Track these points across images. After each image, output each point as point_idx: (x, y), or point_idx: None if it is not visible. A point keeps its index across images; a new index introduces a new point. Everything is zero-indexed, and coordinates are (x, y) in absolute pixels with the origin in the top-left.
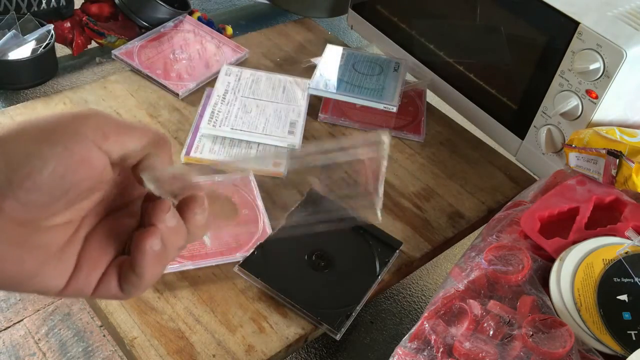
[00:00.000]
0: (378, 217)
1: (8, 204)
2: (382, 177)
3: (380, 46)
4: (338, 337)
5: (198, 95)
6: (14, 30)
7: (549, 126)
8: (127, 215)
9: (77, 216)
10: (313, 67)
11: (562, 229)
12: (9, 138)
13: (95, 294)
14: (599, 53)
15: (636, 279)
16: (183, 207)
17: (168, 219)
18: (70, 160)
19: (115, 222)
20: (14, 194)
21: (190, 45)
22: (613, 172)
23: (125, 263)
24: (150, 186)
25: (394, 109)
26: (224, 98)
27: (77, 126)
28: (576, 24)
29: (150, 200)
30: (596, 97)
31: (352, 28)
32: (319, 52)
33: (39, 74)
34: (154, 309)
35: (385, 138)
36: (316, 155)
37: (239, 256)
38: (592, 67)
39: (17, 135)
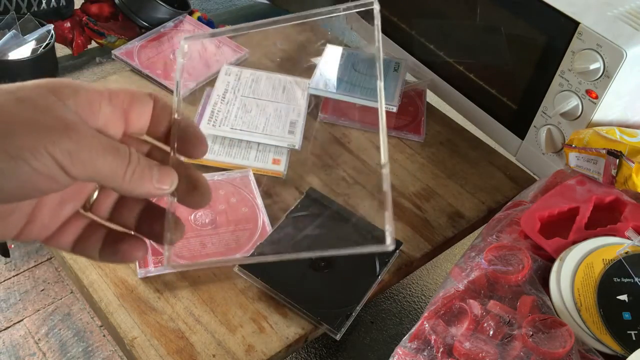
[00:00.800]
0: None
1: None
2: (388, 199)
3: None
4: (338, 337)
5: (198, 95)
6: (14, 30)
7: (549, 126)
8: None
9: None
10: (313, 67)
11: (562, 229)
12: None
13: (47, 242)
14: (599, 53)
15: (636, 279)
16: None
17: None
18: (33, 179)
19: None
20: None
21: (190, 45)
22: (613, 172)
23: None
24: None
25: (394, 109)
26: (224, 98)
27: (44, 141)
28: (576, 24)
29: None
30: (596, 97)
31: (352, 28)
32: (319, 52)
33: (39, 74)
34: (154, 309)
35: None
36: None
37: (239, 256)
38: (592, 67)
39: None
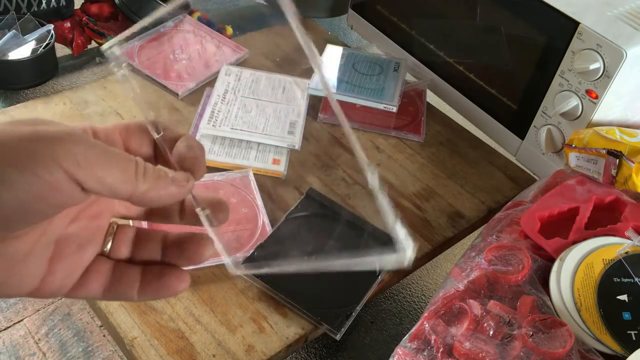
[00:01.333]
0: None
1: None
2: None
3: (380, 46)
4: (338, 337)
5: (198, 95)
6: (14, 30)
7: (549, 126)
8: (103, 212)
9: (44, 222)
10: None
11: (562, 229)
12: None
13: (71, 294)
14: (599, 53)
15: (636, 279)
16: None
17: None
18: (37, 189)
19: (91, 221)
20: None
21: (190, 45)
22: (613, 172)
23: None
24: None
25: (394, 109)
26: (224, 98)
27: (50, 151)
28: (576, 24)
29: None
30: (596, 97)
31: (352, 28)
32: (319, 52)
33: (39, 74)
34: (154, 309)
35: (410, 251)
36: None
37: (239, 256)
38: (592, 67)
39: None
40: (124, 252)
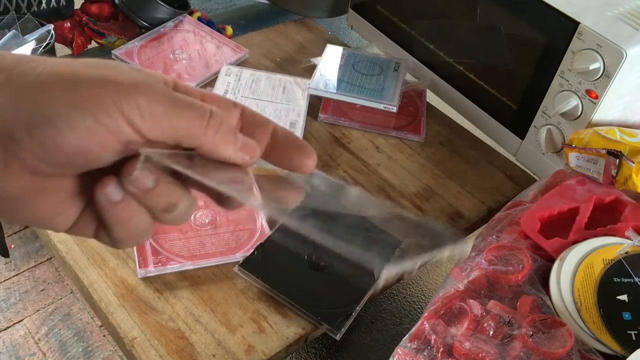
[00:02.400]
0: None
1: (25, 155)
2: None
3: (380, 46)
4: (338, 337)
5: None
6: (14, 30)
7: (549, 126)
8: None
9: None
10: (313, 67)
11: (562, 229)
12: (40, 87)
13: (95, 237)
14: (599, 53)
15: (636, 279)
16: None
17: (135, 180)
18: (98, 136)
19: None
20: (32, 148)
21: (190, 45)
22: (613, 172)
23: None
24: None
25: (394, 109)
26: None
27: (114, 99)
28: (576, 24)
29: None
30: (596, 97)
31: (352, 28)
32: (319, 52)
33: None
34: (154, 309)
35: (467, 247)
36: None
37: (239, 256)
38: (592, 67)
39: (49, 88)
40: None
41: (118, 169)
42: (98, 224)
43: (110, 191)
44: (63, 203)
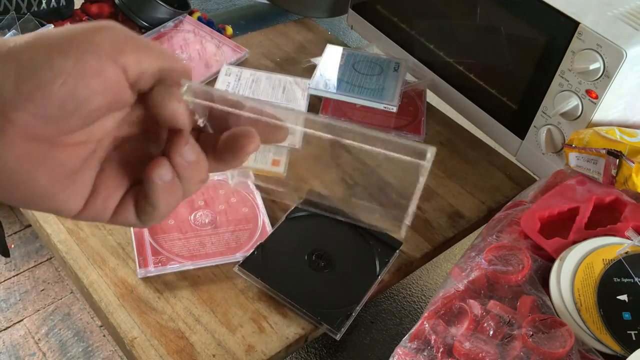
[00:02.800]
0: (402, 233)
1: (18, 115)
2: (417, 193)
3: (380, 46)
4: (338, 337)
5: None
6: (14, 31)
7: (549, 126)
8: (150, 142)
9: (94, 137)
10: (313, 67)
11: (562, 229)
12: (21, 48)
13: (113, 220)
14: (599, 53)
15: (636, 279)
16: (232, 142)
17: (186, 153)
18: (82, 72)
19: (136, 148)
20: (23, 105)
21: (190, 45)
22: (613, 172)
23: (140, 192)
24: (187, 100)
25: (394, 109)
26: None
27: (91, 37)
28: (576, 24)
29: (173, 130)
30: (596, 97)
31: (352, 28)
32: (319, 52)
33: None
34: (154, 309)
35: (430, 154)
36: (349, 134)
37: (239, 256)
38: (592, 67)
39: (29, 45)
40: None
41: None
42: (120, 206)
43: (163, 171)
44: (66, 178)
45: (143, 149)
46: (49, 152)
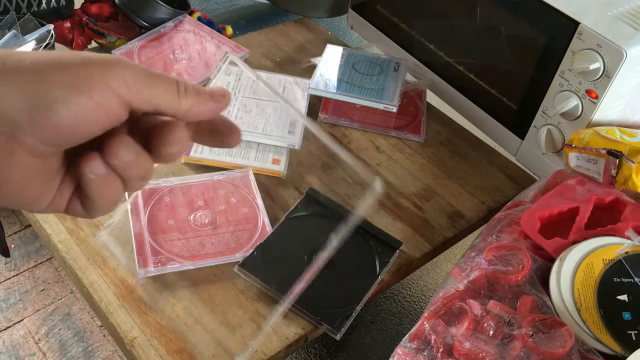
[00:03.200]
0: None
1: (27, 139)
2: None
3: (380, 46)
4: (338, 337)
5: None
6: (14, 30)
7: (549, 126)
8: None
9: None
10: (313, 67)
11: (562, 229)
12: (39, 75)
13: (67, 211)
14: (599, 53)
15: (636, 279)
16: (156, 135)
17: (121, 154)
18: (92, 112)
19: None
20: (34, 131)
21: (190, 45)
22: (613, 172)
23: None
24: None
25: (394, 109)
26: None
27: (103, 76)
28: (576, 24)
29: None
30: (596, 97)
31: (352, 28)
32: (319, 52)
33: None
34: (154, 309)
35: (378, 186)
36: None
37: (239, 256)
38: (592, 67)
39: (46, 72)
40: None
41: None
42: (71, 198)
43: (95, 166)
44: (49, 182)
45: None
46: (43, 164)
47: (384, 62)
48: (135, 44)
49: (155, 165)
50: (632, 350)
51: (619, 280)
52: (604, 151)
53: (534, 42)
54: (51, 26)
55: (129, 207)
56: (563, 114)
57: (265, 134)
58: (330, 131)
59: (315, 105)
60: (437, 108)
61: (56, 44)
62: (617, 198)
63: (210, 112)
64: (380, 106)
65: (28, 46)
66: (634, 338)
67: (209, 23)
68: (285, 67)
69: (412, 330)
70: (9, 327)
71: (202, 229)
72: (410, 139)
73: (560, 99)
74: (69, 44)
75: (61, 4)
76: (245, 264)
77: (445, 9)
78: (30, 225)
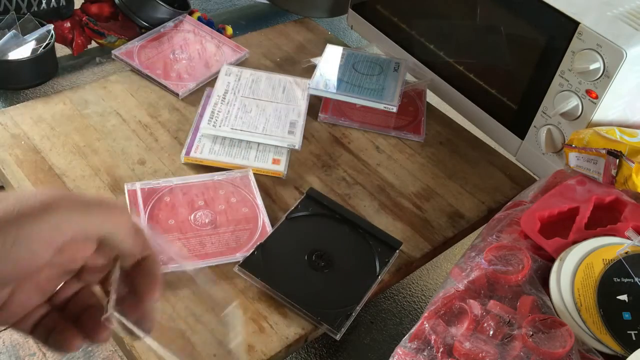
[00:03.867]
0: None
1: None
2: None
3: (380, 46)
4: (338, 337)
5: (198, 95)
6: (14, 30)
7: (549, 126)
8: (58, 272)
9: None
10: (313, 67)
11: (562, 229)
12: None
13: (14, 326)
14: (599, 53)
15: (636, 279)
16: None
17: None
18: (25, 259)
19: (45, 278)
20: None
21: (190, 45)
22: (613, 172)
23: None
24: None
25: (394, 109)
26: (224, 98)
27: (38, 229)
28: (576, 24)
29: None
30: (596, 97)
31: (352, 28)
32: (319, 52)
33: (39, 74)
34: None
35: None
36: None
37: (239, 256)
38: (592, 67)
39: None
40: (57, 302)
41: None
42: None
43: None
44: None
45: (50, 278)
46: None
47: (384, 62)
48: (135, 44)
49: None
50: (632, 350)
51: (619, 280)
52: (604, 151)
53: (534, 42)
54: (51, 26)
55: (128, 207)
56: (563, 114)
57: (265, 134)
58: (330, 131)
59: (315, 105)
60: (437, 108)
61: (56, 44)
62: (617, 198)
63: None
64: (380, 106)
65: (28, 46)
66: (634, 338)
67: (209, 23)
68: (285, 67)
69: (412, 330)
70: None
71: (203, 229)
72: (410, 139)
73: (560, 99)
74: (69, 44)
75: (61, 4)
76: (245, 264)
77: (445, 9)
78: None
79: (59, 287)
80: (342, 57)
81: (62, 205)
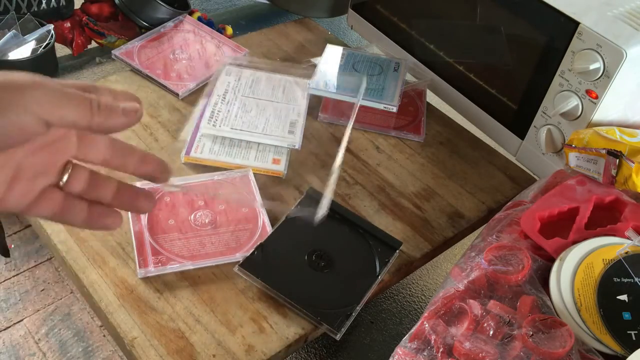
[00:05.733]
0: None
1: None
2: None
3: (380, 46)
4: (338, 337)
5: (198, 95)
6: (14, 30)
7: (549, 126)
8: (61, 152)
9: (10, 151)
10: (313, 67)
11: (562, 229)
12: None
13: (26, 211)
14: (599, 53)
15: (636, 279)
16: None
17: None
18: (9, 129)
19: (49, 157)
20: None
21: (190, 45)
22: (613, 172)
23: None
24: None
25: (394, 109)
26: (224, 98)
27: (19, 98)
28: (576, 24)
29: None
30: (596, 97)
31: (352, 28)
32: (319, 52)
33: (39, 74)
34: (154, 309)
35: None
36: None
37: (239, 256)
38: (592, 67)
39: None
40: (76, 188)
41: None
42: (36, 202)
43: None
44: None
45: (57, 150)
46: None
47: (384, 62)
48: (135, 44)
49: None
50: (632, 350)
51: (619, 280)
52: (604, 151)
53: (534, 42)
54: (51, 26)
55: None
56: (563, 114)
57: (265, 134)
58: (330, 131)
59: (315, 105)
60: (437, 108)
61: (56, 44)
62: (617, 198)
63: (122, 126)
64: (380, 106)
65: (28, 46)
66: (634, 338)
67: (209, 23)
68: (285, 67)
69: (412, 330)
70: (9, 327)
71: (202, 229)
72: (410, 139)
73: (560, 99)
74: (69, 44)
75: (61, 4)
76: (245, 264)
77: (445, 9)
78: (30, 225)
79: (60, 166)
80: (342, 57)
81: (44, 84)
